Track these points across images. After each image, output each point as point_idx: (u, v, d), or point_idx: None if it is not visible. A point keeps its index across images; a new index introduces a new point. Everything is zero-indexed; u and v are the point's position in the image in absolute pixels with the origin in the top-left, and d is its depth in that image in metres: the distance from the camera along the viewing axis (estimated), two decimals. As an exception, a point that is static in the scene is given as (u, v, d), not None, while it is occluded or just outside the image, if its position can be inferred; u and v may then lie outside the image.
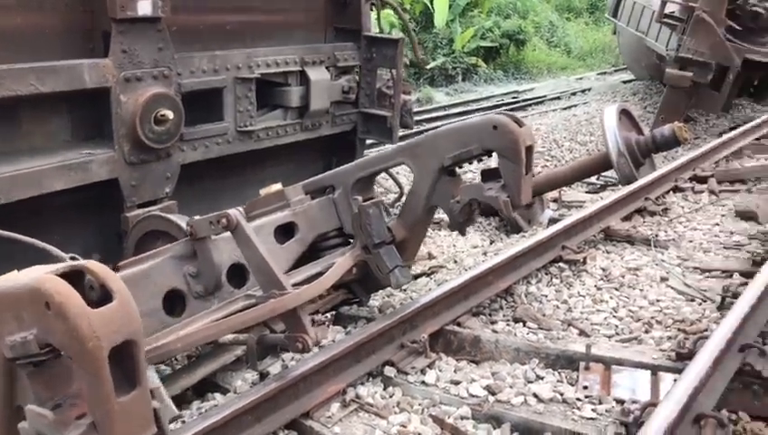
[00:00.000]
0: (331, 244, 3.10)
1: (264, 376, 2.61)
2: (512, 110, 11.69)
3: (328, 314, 3.00)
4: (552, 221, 5.00)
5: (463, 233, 2.98)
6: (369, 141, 6.05)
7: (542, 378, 2.71)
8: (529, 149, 2.63)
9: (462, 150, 2.70)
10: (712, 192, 5.09)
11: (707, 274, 3.76)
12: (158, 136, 3.64)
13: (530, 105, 12.03)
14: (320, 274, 2.64)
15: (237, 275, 2.71)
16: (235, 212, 2.40)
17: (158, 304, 2.43)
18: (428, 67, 16.15)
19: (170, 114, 3.63)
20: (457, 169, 2.86)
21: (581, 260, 3.80)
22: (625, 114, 6.11)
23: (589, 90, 13.33)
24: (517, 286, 3.54)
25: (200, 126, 4.07)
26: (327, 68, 4.97)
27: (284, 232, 2.96)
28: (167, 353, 2.05)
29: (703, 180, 5.39)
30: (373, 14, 5.60)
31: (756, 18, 8.20)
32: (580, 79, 15.55)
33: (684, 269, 3.82)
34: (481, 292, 3.31)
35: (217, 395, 2.61)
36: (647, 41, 10.54)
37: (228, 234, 2.45)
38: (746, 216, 4.54)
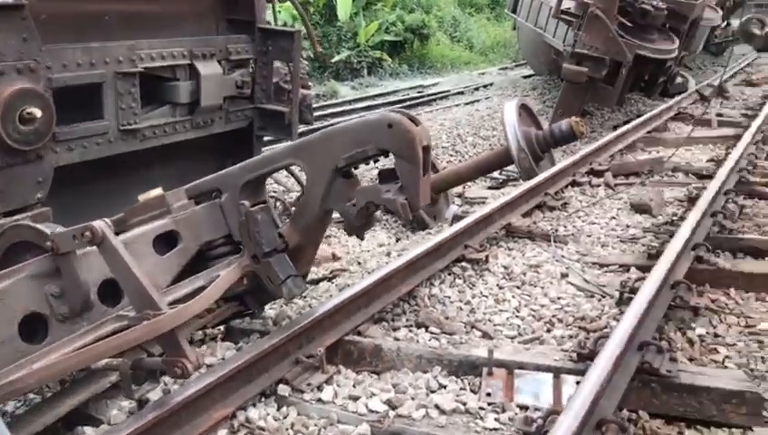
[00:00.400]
0: (220, 252, 2.86)
1: (142, 404, 2.36)
2: (417, 104, 11.70)
3: (214, 331, 2.77)
4: (456, 218, 4.94)
5: (361, 237, 2.82)
6: (267, 138, 5.82)
7: (444, 387, 2.60)
8: (426, 149, 2.50)
9: (357, 150, 2.54)
10: (608, 186, 5.20)
11: (606, 268, 3.79)
12: (25, 136, 3.26)
13: (434, 100, 12.08)
14: (203, 288, 2.41)
15: (112, 292, 2.43)
16: (101, 224, 2.13)
17: (12, 331, 2.12)
18: (333, 61, 15.95)
19: (38, 112, 3.27)
20: (354, 170, 2.71)
21: (484, 259, 3.74)
22: (524, 109, 6.16)
23: (491, 85, 13.54)
24: (420, 289, 3.43)
25: (77, 125, 3.70)
26: (219, 61, 4.70)
27: (166, 242, 2.70)
28: (17, 391, 1.78)
29: (599, 174, 5.51)
30: (271, 6, 5.34)
31: (645, 15, 8.50)
32: (483, 74, 15.81)
33: (583, 265, 3.84)
34: (383, 297, 3.17)
35: (88, 429, 2.33)
36: (545, 36, 10.78)
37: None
38: (641, 209, 4.64)
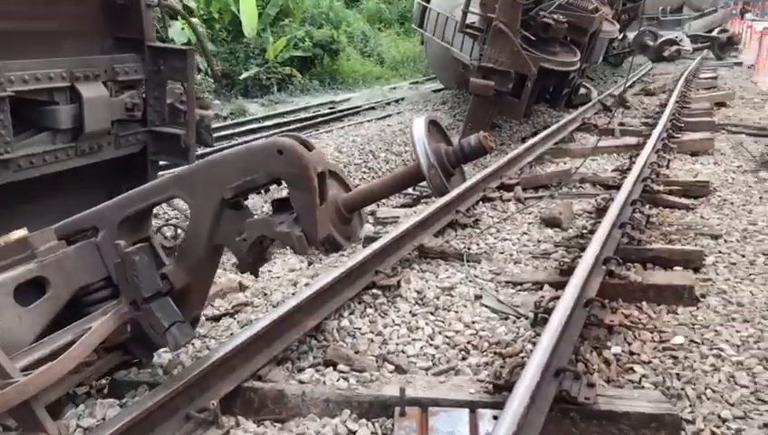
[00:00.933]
0: (100, 297, 2.54)
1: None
2: (328, 120, 11.51)
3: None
4: (368, 240, 4.75)
5: (255, 274, 2.58)
6: (164, 163, 5.46)
7: (354, 433, 2.39)
8: (321, 176, 2.29)
9: (245, 179, 2.30)
10: (519, 200, 5.16)
11: (519, 287, 3.70)
12: None
13: (346, 116, 11.92)
14: (73, 342, 2.11)
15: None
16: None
17: None
18: (241, 78, 15.57)
19: None
20: (244, 201, 2.46)
21: (396, 284, 3.56)
22: (433, 125, 6.08)
23: (402, 99, 13.54)
24: (329, 322, 3.21)
25: (-65, 156, 3.31)
26: (105, 83, 4.36)
27: (32, 290, 2.37)
28: None
29: (510, 188, 5.47)
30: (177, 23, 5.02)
31: (547, 29, 8.68)
32: (394, 88, 15.82)
33: (497, 284, 3.73)
34: (287, 334, 2.93)
35: None
36: (452, 51, 10.86)
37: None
38: (551, 223, 4.61)
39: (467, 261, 4.02)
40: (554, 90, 10.14)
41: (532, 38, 8.78)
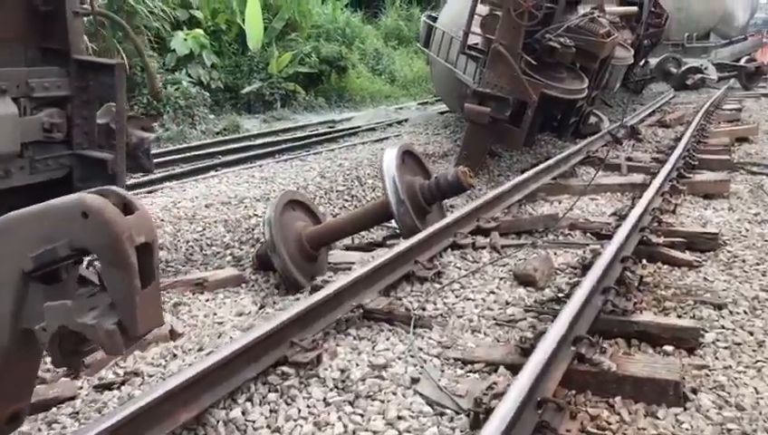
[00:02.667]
0: None
1: None
2: (322, 141, 10.93)
3: None
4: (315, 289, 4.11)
5: (74, 371, 1.97)
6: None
7: None
8: (145, 249, 1.68)
9: (46, 248, 1.70)
10: (494, 248, 4.49)
11: (470, 367, 3.04)
12: None
13: (342, 136, 11.34)
14: None
15: None
16: None
17: None
18: (243, 92, 15.11)
19: None
20: (64, 274, 1.85)
21: (315, 360, 2.92)
22: (409, 156, 5.45)
23: (406, 121, 12.94)
24: (215, 411, 2.58)
25: None
26: (16, 99, 3.82)
27: None
28: None
29: (486, 233, 4.81)
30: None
31: (553, 53, 8.03)
32: (401, 109, 15.25)
33: (443, 362, 3.07)
34: (149, 432, 2.30)
35: None
36: (456, 73, 10.25)
37: None
38: (524, 280, 3.94)
39: (415, 327, 3.37)
40: (561, 118, 9.46)
41: (537, 63, 8.13)
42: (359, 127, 12.23)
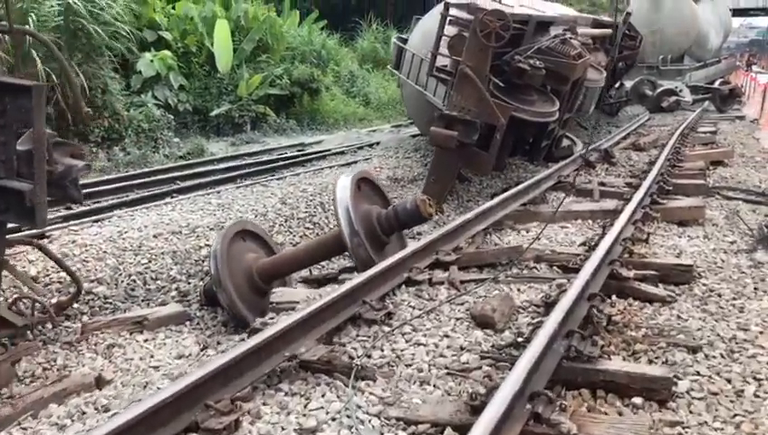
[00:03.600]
0: None
1: None
2: (289, 165, 10.58)
3: None
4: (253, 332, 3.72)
5: None
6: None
7: None
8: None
9: None
10: (452, 285, 4.14)
11: (413, 428, 2.67)
12: None
13: (311, 160, 10.98)
14: None
15: None
16: None
17: None
18: (212, 115, 14.74)
19: None
20: None
21: (231, 425, 2.53)
22: (366, 183, 5.11)
23: (377, 144, 12.64)
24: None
25: None
26: None
27: None
28: None
29: (446, 267, 4.46)
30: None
31: (522, 75, 7.77)
32: (374, 131, 14.97)
33: (383, 422, 2.70)
34: None
35: None
36: (426, 95, 9.99)
37: None
38: (482, 322, 3.59)
39: (356, 379, 3.00)
40: (533, 142, 9.19)
41: (506, 85, 7.88)
42: (328, 150, 11.89)
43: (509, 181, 8.52)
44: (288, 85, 15.58)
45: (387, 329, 3.55)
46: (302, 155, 11.42)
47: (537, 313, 3.81)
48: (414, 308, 3.85)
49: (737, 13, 44.28)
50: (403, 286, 4.08)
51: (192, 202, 7.51)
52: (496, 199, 6.13)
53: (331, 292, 3.64)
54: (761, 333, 3.66)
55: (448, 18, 8.33)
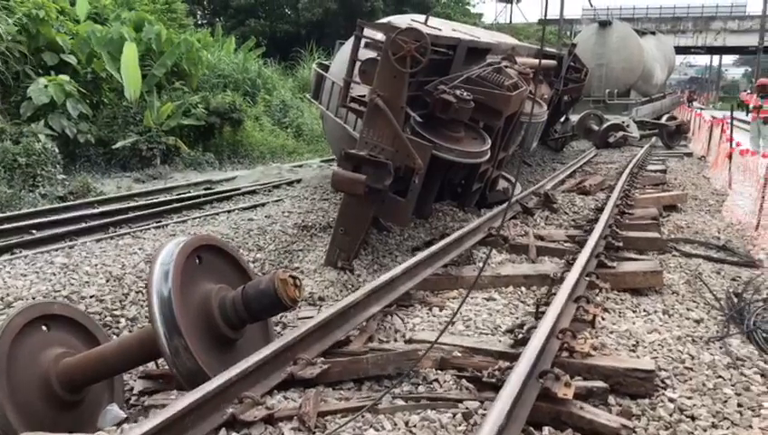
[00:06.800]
0: None
1: None
2: (183, 208, 9.07)
3: None
4: None
5: None
6: None
7: None
8: None
9: None
10: (303, 423, 2.71)
11: None
12: None
13: (211, 202, 9.49)
14: None
15: None
16: None
17: None
18: (116, 147, 13.12)
19: None
20: None
21: None
22: (211, 252, 3.68)
23: (298, 182, 11.24)
24: None
25: None
26: None
27: None
28: None
29: (307, 384, 3.04)
30: None
31: (447, 108, 6.53)
32: (299, 167, 13.55)
33: None
34: None
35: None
36: (347, 129, 8.69)
37: None
38: None
39: None
40: (466, 183, 7.95)
41: (429, 120, 6.63)
42: (237, 189, 10.41)
43: (433, 232, 7.20)
44: (204, 115, 14.07)
45: None
46: (206, 195, 9.90)
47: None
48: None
49: (679, 50, 45.04)
50: (222, 431, 2.63)
51: (30, 260, 5.92)
52: (401, 267, 4.76)
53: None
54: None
55: (363, 41, 7.07)
